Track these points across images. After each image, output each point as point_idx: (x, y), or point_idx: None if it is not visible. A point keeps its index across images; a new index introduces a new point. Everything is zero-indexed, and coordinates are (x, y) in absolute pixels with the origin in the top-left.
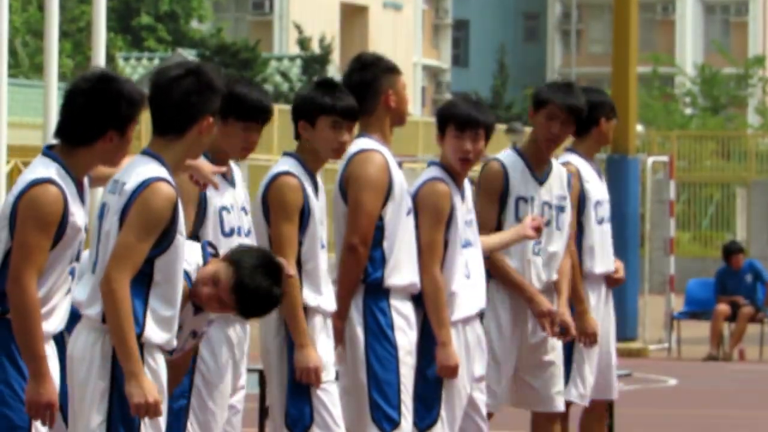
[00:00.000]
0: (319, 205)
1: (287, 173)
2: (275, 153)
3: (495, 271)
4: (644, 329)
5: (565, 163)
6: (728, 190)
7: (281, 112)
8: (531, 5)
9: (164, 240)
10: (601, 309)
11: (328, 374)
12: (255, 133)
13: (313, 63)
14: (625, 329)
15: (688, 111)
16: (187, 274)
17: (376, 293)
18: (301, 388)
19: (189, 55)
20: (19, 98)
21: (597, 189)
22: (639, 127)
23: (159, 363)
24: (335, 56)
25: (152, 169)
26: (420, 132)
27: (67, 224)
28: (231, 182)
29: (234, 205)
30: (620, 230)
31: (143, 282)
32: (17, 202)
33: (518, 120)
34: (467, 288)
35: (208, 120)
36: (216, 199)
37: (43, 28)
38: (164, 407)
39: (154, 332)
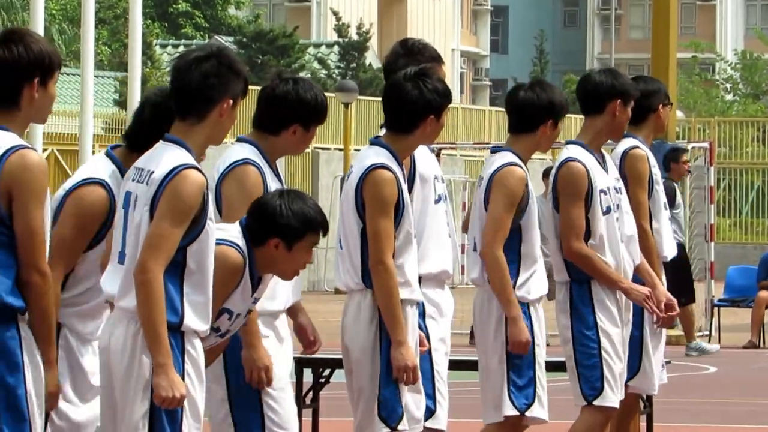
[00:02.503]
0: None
1: (383, 166)
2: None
3: (589, 268)
4: None
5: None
6: None
7: None
8: None
9: (195, 227)
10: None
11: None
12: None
13: (351, 50)
14: None
15: (729, 97)
16: (239, 248)
17: None
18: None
19: (226, 42)
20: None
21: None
22: (679, 114)
23: (198, 350)
24: (373, 43)
25: (179, 156)
26: (459, 119)
27: None
28: (278, 176)
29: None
30: None
31: (177, 270)
32: None
33: None
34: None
35: (228, 102)
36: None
37: (80, 16)
38: (203, 393)
39: (192, 320)
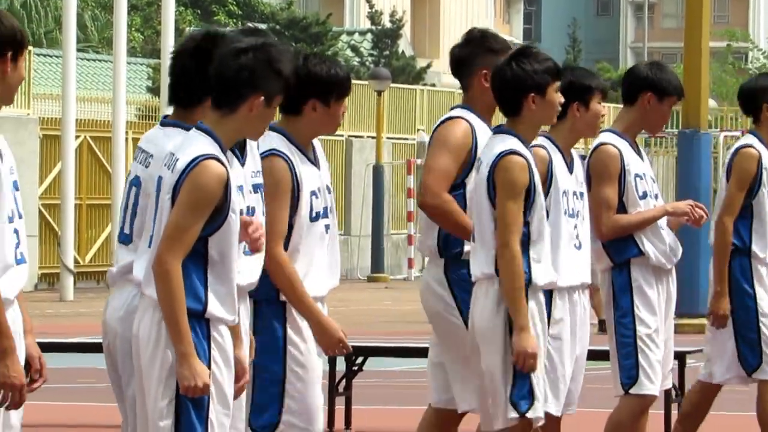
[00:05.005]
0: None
1: (513, 152)
2: (344, 128)
3: (627, 231)
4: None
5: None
6: None
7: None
8: None
9: (218, 218)
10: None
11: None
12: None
13: (384, 37)
14: (698, 305)
15: None
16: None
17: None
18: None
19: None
20: (88, 72)
21: None
22: (711, 102)
23: (225, 337)
24: (406, 31)
25: (203, 146)
26: None
27: None
28: (315, 162)
29: (320, 187)
30: None
31: (200, 260)
32: None
33: None
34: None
35: (258, 99)
36: (307, 184)
37: (113, 2)
38: (232, 379)
39: (216, 308)
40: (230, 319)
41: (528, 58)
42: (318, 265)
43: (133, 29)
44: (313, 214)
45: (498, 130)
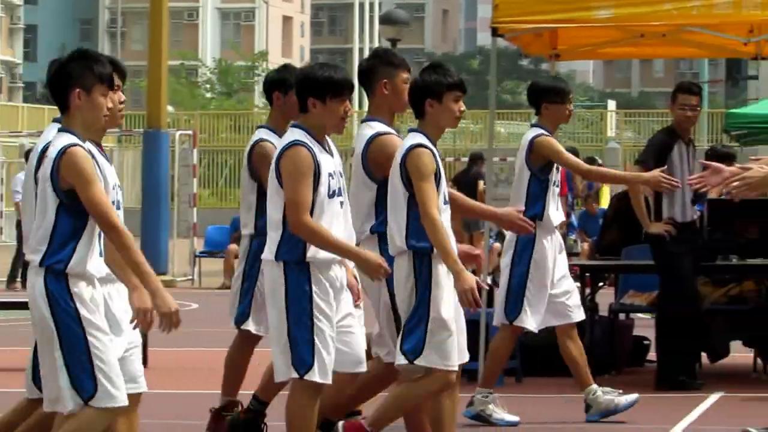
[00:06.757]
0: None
1: (421, 145)
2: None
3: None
4: (173, 265)
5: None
6: (240, 155)
7: None
8: (85, 13)
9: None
10: None
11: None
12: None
13: None
14: (159, 265)
15: (209, 95)
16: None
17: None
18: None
19: None
20: None
21: None
22: (170, 108)
23: (83, 288)
24: None
25: (66, 139)
26: None
27: None
28: (329, 152)
29: (334, 171)
30: (155, 189)
31: (81, 228)
32: None
33: None
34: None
35: (75, 92)
36: (325, 166)
37: None
38: (101, 313)
39: (78, 265)
40: (90, 274)
41: (431, 70)
42: (337, 235)
43: None
44: (330, 192)
45: (410, 130)
